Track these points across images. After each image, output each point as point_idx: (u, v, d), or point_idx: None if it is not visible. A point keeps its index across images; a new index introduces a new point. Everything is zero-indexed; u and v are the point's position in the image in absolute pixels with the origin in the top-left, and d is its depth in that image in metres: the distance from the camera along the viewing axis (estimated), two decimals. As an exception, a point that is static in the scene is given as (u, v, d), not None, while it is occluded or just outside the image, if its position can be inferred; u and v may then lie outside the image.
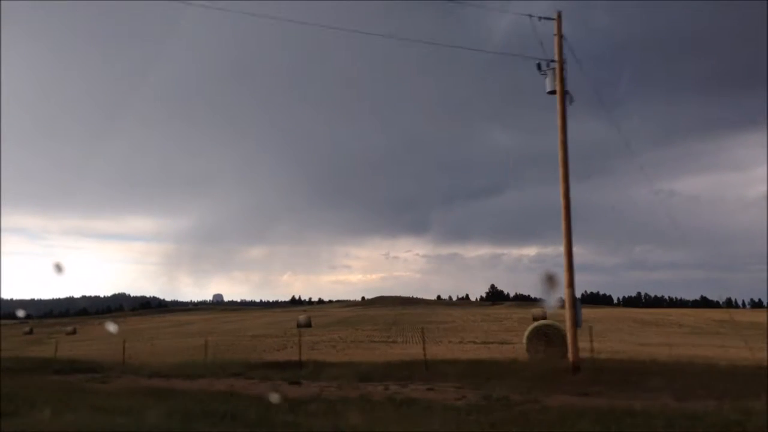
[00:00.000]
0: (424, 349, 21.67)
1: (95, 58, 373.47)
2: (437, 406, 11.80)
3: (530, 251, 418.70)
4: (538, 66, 16.74)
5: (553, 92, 16.64)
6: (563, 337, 23.09)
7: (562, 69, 16.42)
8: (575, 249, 16.69)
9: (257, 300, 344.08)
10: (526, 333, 24.15)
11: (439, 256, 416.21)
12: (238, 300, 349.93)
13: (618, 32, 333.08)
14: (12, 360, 28.96)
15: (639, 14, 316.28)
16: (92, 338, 75.38)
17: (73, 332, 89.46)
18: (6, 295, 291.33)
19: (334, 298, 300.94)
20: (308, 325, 62.29)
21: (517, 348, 31.30)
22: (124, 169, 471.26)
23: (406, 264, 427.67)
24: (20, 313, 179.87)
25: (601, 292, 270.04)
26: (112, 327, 68.67)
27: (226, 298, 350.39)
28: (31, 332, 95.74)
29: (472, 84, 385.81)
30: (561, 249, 16.49)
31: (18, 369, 24.37)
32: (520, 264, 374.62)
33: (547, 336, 22.97)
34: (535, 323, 24.27)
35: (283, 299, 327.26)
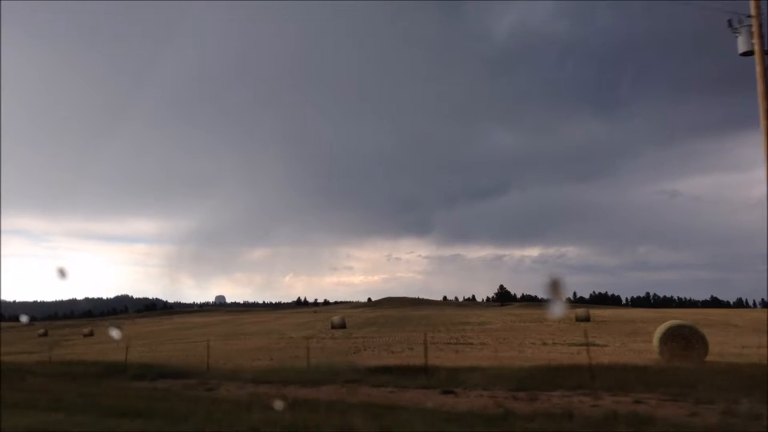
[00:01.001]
0: (588, 352, 19.35)
1: (97, 59, 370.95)
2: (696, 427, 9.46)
3: (533, 252, 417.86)
4: (729, 23, 14.39)
5: (747, 53, 14.27)
6: (702, 338, 20.84)
7: (760, 25, 14.05)
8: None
9: (260, 302, 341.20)
10: (658, 335, 21.83)
11: (441, 257, 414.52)
12: (241, 302, 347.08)
13: (620, 32, 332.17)
14: (62, 364, 26.56)
15: (640, 14, 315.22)
16: (111, 340, 73.00)
17: (90, 334, 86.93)
18: (8, 297, 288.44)
19: (337, 300, 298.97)
20: (343, 326, 59.78)
21: (617, 349, 29.03)
22: (127, 171, 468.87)
23: (408, 265, 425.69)
24: (24, 319, 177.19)
25: (609, 293, 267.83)
26: (115, 333, 65.62)
27: (228, 300, 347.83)
28: (45, 334, 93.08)
29: (476, 84, 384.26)
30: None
31: (81, 374, 21.99)
32: (523, 265, 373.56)
33: (685, 338, 20.70)
34: (668, 324, 21.95)
35: (285, 301, 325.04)
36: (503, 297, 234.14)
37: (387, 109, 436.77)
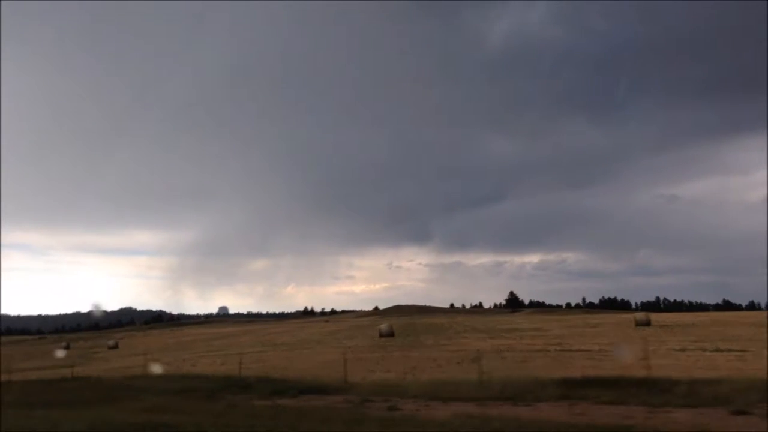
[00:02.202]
0: None
1: (97, 72, 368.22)
2: None
3: (533, 258, 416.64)
4: None
5: None
6: None
7: None
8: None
9: (263, 312, 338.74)
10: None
11: (441, 264, 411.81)
12: (244, 312, 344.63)
13: (616, 35, 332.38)
14: (160, 378, 24.94)
15: (637, 17, 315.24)
16: (141, 351, 71.27)
17: (116, 346, 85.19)
18: (11, 312, 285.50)
19: (339, 309, 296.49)
20: (391, 334, 58.23)
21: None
22: (127, 184, 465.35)
23: (409, 273, 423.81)
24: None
25: (617, 298, 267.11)
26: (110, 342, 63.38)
27: (231, 311, 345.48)
28: (68, 347, 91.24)
29: (473, 90, 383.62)
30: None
31: (195, 389, 20.39)
32: (523, 271, 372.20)
33: None
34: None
35: (288, 311, 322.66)
36: (513, 303, 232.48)
37: (385, 117, 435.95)
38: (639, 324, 60.57)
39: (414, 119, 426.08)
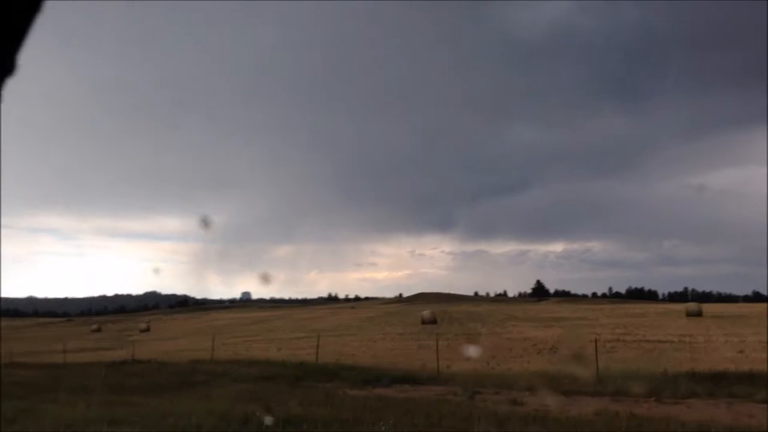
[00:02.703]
0: None
1: (125, 56, 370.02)
2: None
3: (557, 247, 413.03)
4: None
5: None
6: None
7: None
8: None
9: (286, 298, 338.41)
10: None
11: (464, 252, 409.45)
12: (267, 298, 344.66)
13: (648, 25, 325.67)
14: (233, 363, 23.37)
15: (669, 6, 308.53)
16: (175, 335, 70.37)
17: (147, 329, 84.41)
18: (40, 294, 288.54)
19: (362, 295, 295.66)
20: (434, 321, 56.48)
21: None
22: (153, 169, 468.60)
23: (432, 261, 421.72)
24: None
25: (645, 288, 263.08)
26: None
27: (253, 296, 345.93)
28: (99, 330, 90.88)
29: (499, 80, 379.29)
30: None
31: (274, 377, 18.80)
32: (547, 260, 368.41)
33: None
34: None
35: (310, 297, 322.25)
36: (539, 292, 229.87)
37: (410, 106, 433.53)
38: (690, 314, 58.29)
39: (440, 108, 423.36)
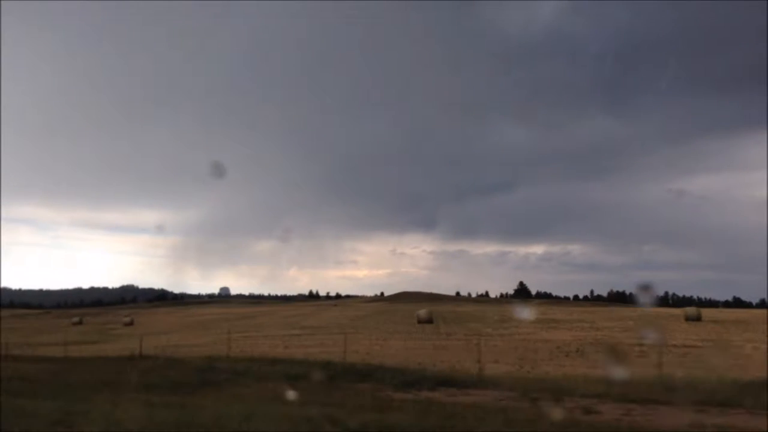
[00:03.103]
0: None
1: (106, 50, 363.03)
2: None
3: (538, 249, 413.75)
4: None
5: None
6: None
7: None
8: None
9: (265, 294, 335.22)
10: None
11: (446, 252, 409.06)
12: (246, 293, 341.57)
13: (632, 29, 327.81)
14: (250, 361, 21.74)
15: (655, 11, 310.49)
16: (160, 330, 68.23)
17: (131, 323, 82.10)
18: (14, 285, 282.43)
19: (342, 293, 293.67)
20: (430, 320, 55.20)
21: None
22: (132, 161, 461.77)
23: (412, 260, 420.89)
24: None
25: (626, 292, 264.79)
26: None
27: (232, 292, 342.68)
28: (80, 323, 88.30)
29: (485, 79, 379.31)
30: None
31: (299, 376, 17.32)
32: (527, 262, 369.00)
33: None
34: None
35: (290, 293, 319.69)
36: (522, 293, 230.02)
37: (394, 103, 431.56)
38: (689, 319, 57.82)
39: (423, 106, 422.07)
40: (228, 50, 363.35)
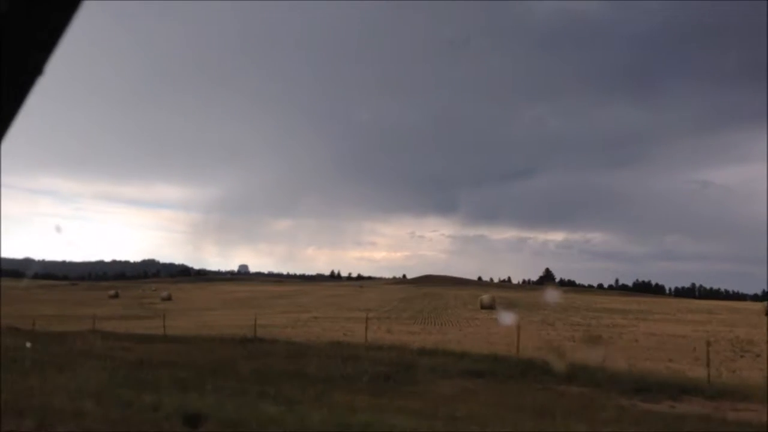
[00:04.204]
0: None
1: (138, 19, 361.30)
2: None
3: (557, 236, 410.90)
4: None
5: None
6: None
7: None
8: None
9: (284, 272, 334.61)
10: None
11: (465, 237, 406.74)
12: (265, 272, 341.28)
13: (661, 17, 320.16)
14: (349, 347, 19.06)
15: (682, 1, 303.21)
16: (202, 306, 66.16)
17: (169, 298, 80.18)
18: (37, 257, 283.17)
19: (362, 275, 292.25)
20: (492, 306, 52.50)
21: None
22: (156, 136, 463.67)
23: (431, 243, 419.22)
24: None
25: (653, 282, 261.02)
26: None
27: (250, 270, 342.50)
28: (117, 296, 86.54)
29: (511, 64, 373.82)
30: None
31: (484, 372, 14.69)
32: (546, 249, 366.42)
33: None
34: None
35: (308, 273, 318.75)
36: (546, 280, 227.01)
37: (419, 87, 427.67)
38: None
39: (451, 91, 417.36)
40: (265, 26, 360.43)
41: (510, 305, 58.37)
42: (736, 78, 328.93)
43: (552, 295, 70.14)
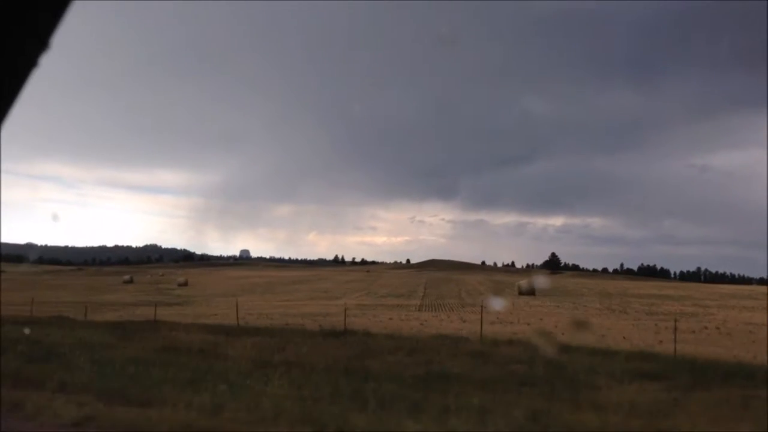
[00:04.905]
0: None
1: (133, 10, 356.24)
2: None
3: (556, 221, 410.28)
4: None
5: None
6: None
7: None
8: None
9: (285, 257, 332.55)
10: None
11: (465, 222, 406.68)
12: (267, 257, 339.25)
13: (659, 3, 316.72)
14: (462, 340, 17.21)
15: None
16: (223, 292, 64.27)
17: (185, 284, 78.38)
18: (40, 242, 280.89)
19: (361, 259, 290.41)
20: (532, 292, 50.74)
21: None
22: (158, 122, 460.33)
23: (431, 228, 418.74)
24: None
25: (659, 266, 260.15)
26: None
27: (252, 255, 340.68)
28: (131, 281, 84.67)
29: (508, 51, 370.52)
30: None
31: (650, 375, 12.83)
32: (546, 234, 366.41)
33: None
34: None
35: (310, 257, 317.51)
36: (552, 265, 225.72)
37: (419, 74, 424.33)
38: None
39: (451, 77, 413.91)
40: (266, 11, 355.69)
41: (543, 291, 56.61)
42: (733, 64, 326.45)
43: (541, 281, 66.06)
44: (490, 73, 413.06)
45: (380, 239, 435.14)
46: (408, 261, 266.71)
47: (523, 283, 53.75)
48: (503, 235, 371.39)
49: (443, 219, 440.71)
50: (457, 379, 11.05)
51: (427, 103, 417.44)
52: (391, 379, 10.33)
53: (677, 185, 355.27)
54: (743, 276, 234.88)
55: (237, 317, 22.61)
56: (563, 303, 41.04)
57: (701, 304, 43.77)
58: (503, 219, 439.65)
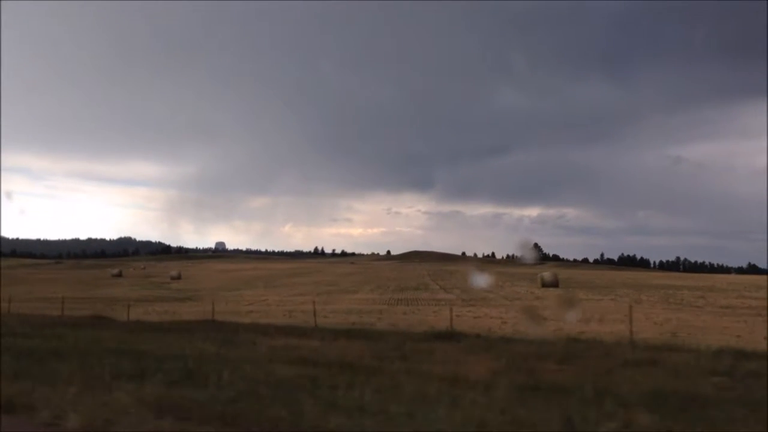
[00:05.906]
0: None
1: (106, 1, 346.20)
2: None
3: (532, 212, 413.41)
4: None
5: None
6: None
7: None
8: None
9: (262, 249, 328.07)
10: None
11: (441, 213, 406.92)
12: (243, 249, 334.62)
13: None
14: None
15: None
16: (221, 285, 61.55)
17: (178, 277, 75.26)
18: (11, 235, 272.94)
19: (337, 251, 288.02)
20: (555, 284, 48.99)
21: None
22: (130, 114, 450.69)
23: (407, 220, 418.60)
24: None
25: (639, 256, 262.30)
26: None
27: (228, 247, 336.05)
28: (120, 275, 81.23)
29: (485, 42, 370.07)
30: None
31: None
32: (521, 224, 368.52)
33: None
34: None
35: (286, 249, 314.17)
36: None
37: (395, 63, 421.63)
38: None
39: (427, 69, 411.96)
40: (236, 3, 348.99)
41: (566, 284, 54.89)
42: (708, 55, 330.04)
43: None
44: (466, 65, 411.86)
45: (356, 231, 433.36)
46: (389, 252, 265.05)
47: (547, 274, 52.00)
48: (479, 226, 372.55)
49: (419, 210, 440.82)
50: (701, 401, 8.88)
51: (403, 94, 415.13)
52: (615, 398, 8.14)
53: (651, 176, 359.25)
54: (722, 265, 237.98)
55: (315, 318, 20.00)
56: (605, 296, 39.28)
57: (746, 294, 42.42)
58: (479, 210, 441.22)
